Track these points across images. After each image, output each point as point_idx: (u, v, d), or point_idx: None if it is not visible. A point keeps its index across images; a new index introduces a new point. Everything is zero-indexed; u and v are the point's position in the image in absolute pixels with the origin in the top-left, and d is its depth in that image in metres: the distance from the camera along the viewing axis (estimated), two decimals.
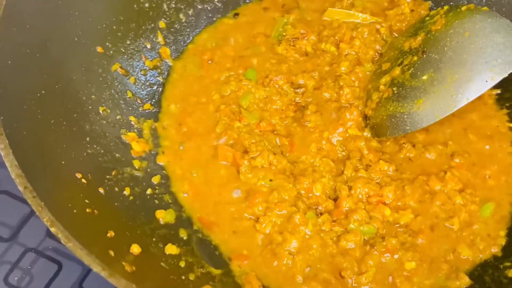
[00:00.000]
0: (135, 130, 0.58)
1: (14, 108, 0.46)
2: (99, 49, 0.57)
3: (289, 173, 0.56)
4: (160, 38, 0.62)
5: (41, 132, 0.49)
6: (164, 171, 0.57)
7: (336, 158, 0.58)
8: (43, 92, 0.50)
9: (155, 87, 0.61)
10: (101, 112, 0.56)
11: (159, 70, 0.62)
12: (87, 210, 0.47)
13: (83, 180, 0.50)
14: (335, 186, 0.56)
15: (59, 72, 0.53)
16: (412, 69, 0.57)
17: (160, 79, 0.62)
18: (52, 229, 0.40)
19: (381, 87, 0.59)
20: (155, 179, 0.56)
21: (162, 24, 0.62)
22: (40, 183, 0.42)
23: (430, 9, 0.64)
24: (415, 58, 0.57)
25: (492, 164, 0.57)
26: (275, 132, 0.59)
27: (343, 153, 0.58)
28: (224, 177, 0.56)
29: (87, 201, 0.48)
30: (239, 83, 0.61)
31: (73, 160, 0.50)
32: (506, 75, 0.52)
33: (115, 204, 0.51)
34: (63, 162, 0.49)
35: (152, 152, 0.58)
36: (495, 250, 0.53)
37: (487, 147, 0.58)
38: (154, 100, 0.60)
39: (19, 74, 0.48)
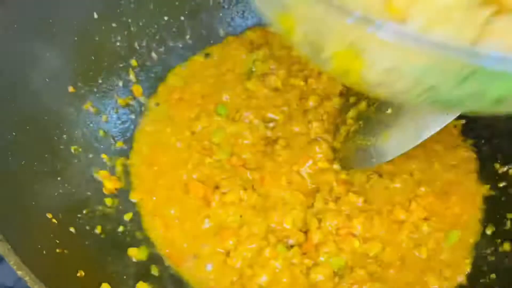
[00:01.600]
0: (107, 168, 0.59)
1: None
2: (70, 89, 0.58)
3: (259, 208, 0.58)
4: (132, 76, 0.63)
5: (11, 174, 0.49)
6: (136, 208, 0.58)
7: (306, 191, 0.59)
8: (13, 134, 0.51)
9: (127, 125, 0.62)
10: (72, 151, 0.57)
11: (131, 108, 0.63)
12: (57, 250, 0.48)
13: (54, 220, 0.51)
14: (306, 218, 0.57)
15: (30, 113, 0.53)
16: (377, 103, 0.58)
17: (132, 116, 0.63)
18: (19, 273, 0.40)
19: (349, 120, 0.61)
20: (127, 216, 0.57)
21: (134, 62, 0.64)
22: (8, 225, 0.43)
23: None
24: None
25: (457, 193, 0.59)
26: (246, 167, 0.60)
27: (313, 186, 0.60)
28: (195, 213, 0.57)
29: (57, 241, 0.49)
30: (210, 119, 0.63)
31: (44, 200, 0.51)
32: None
33: (86, 242, 0.52)
34: (33, 203, 0.50)
35: (124, 190, 0.58)
36: (461, 278, 0.55)
37: (453, 176, 0.60)
38: (126, 137, 0.62)
39: None
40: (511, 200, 0.58)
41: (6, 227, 0.43)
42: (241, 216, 0.57)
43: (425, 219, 0.57)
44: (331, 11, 0.33)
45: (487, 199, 0.59)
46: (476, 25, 0.35)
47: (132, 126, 0.62)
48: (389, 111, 0.57)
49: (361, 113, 0.60)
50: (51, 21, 0.56)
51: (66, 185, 0.54)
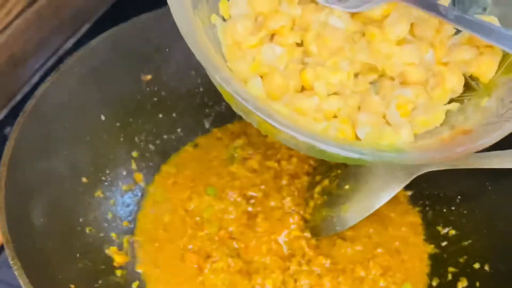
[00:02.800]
0: (116, 245, 0.67)
1: (23, 234, 0.57)
2: (84, 179, 0.67)
3: (244, 272, 0.66)
4: (134, 166, 0.72)
5: (41, 252, 0.59)
6: (142, 277, 0.66)
7: (283, 256, 0.67)
8: (41, 220, 0.61)
9: (131, 207, 0.71)
10: (87, 232, 0.65)
11: (134, 193, 0.71)
12: None
13: None
14: (284, 279, 0.65)
15: (55, 204, 0.63)
16: (337, 180, 0.69)
17: (135, 199, 0.71)
18: None
19: (315, 195, 0.70)
20: (135, 284, 0.65)
21: (135, 154, 0.72)
22: None
23: None
24: (339, 171, 0.70)
25: (408, 251, 0.68)
26: (232, 237, 0.68)
27: (289, 251, 0.68)
28: (192, 279, 0.65)
29: None
30: (200, 199, 0.71)
31: (67, 273, 0.60)
32: (407, 182, 0.64)
33: None
34: (60, 276, 0.59)
35: (131, 262, 0.66)
36: None
37: (403, 237, 0.69)
38: (130, 218, 0.70)
39: (27, 210, 0.59)
40: (451, 257, 0.66)
41: None
42: (229, 280, 0.65)
43: (382, 274, 0.65)
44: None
45: (432, 256, 0.68)
46: (358, 96, 0.49)
47: (135, 208, 0.71)
48: (347, 187, 0.68)
49: (324, 189, 0.70)
50: (67, 125, 0.67)
51: (84, 260, 0.62)
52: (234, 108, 0.49)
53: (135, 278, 0.66)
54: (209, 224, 0.69)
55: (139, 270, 0.66)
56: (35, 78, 0.84)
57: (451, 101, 0.52)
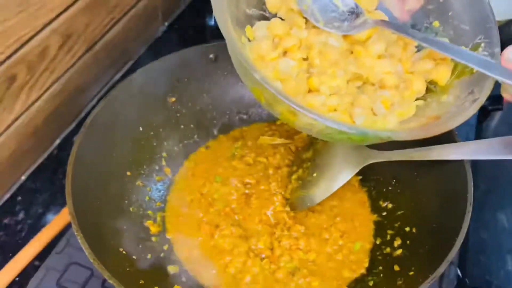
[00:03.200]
0: (152, 219, 0.67)
1: (83, 213, 0.57)
2: (128, 173, 0.68)
3: (243, 236, 0.66)
4: (164, 162, 0.72)
5: (97, 226, 0.60)
6: (170, 242, 0.67)
7: (271, 224, 0.68)
8: (98, 203, 0.62)
9: (162, 192, 0.71)
10: (131, 210, 0.66)
11: (164, 181, 0.72)
12: (127, 269, 0.58)
13: (123, 252, 0.60)
14: (271, 241, 0.66)
15: (107, 191, 0.64)
16: (308, 170, 0.70)
17: (165, 187, 0.72)
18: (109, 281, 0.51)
19: (293, 181, 0.71)
20: (165, 247, 0.65)
21: (164, 154, 0.73)
22: (96, 254, 0.53)
23: None
24: (309, 163, 0.71)
25: (359, 219, 0.68)
26: (234, 212, 0.69)
27: (275, 221, 0.68)
28: (205, 243, 0.66)
29: (126, 264, 0.58)
30: (211, 185, 0.71)
31: (117, 240, 0.61)
32: (358, 170, 0.65)
33: (141, 263, 0.61)
34: (112, 242, 0.60)
35: (162, 231, 0.67)
36: (362, 270, 0.64)
37: (355, 210, 0.70)
38: (162, 199, 0.71)
39: (87, 195, 0.60)
40: (389, 223, 0.67)
41: (99, 257, 0.53)
42: (233, 242, 0.65)
43: (340, 236, 0.66)
44: (276, 96, 0.43)
45: (376, 223, 0.68)
46: (351, 96, 0.50)
47: (165, 192, 0.71)
48: (315, 175, 0.69)
49: (299, 176, 0.71)
50: (115, 134, 0.68)
51: (129, 230, 0.63)
52: (263, 103, 0.49)
53: (166, 242, 0.66)
54: (217, 202, 0.70)
55: (168, 237, 0.67)
56: (93, 102, 0.86)
57: (417, 99, 0.53)
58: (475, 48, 0.51)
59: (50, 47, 0.68)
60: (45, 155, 0.77)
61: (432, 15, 0.55)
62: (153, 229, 0.67)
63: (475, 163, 0.64)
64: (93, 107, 0.66)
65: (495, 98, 0.79)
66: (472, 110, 0.46)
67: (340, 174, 0.65)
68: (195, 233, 0.67)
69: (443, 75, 0.52)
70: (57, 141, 0.80)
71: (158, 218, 0.68)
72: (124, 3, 0.83)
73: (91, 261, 0.52)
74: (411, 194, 0.67)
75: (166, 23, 0.95)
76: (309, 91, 0.52)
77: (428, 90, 0.53)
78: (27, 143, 0.72)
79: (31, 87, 0.68)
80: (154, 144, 0.73)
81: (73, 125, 0.82)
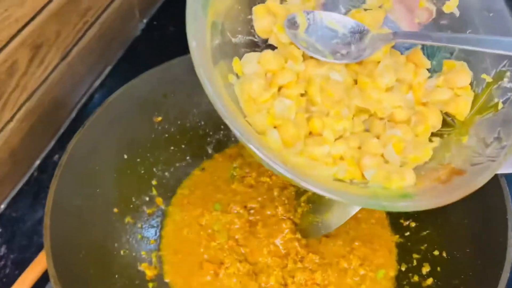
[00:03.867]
0: (147, 261, 0.61)
1: (65, 267, 0.50)
2: (115, 210, 0.61)
3: (251, 273, 0.61)
4: (154, 192, 0.66)
5: (85, 280, 0.53)
6: (169, 286, 0.60)
7: (281, 255, 0.62)
8: (83, 252, 0.55)
9: (155, 227, 0.65)
10: (122, 253, 0.60)
11: (156, 215, 0.65)
12: None
13: None
14: (283, 276, 0.60)
15: (92, 237, 0.57)
16: None
17: (158, 220, 0.65)
18: None
19: (302, 203, 0.65)
20: None
21: (154, 182, 0.66)
22: None
23: None
24: None
25: (378, 242, 0.63)
26: (239, 245, 0.63)
27: (285, 251, 0.62)
28: (210, 284, 0.60)
29: None
30: (210, 214, 0.65)
31: None
32: None
33: None
34: None
35: (160, 274, 0.61)
36: None
37: (374, 231, 0.64)
38: (156, 236, 0.64)
39: (70, 247, 0.53)
40: (414, 245, 0.61)
41: None
42: (240, 282, 0.60)
43: (361, 265, 0.60)
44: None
45: (398, 245, 0.63)
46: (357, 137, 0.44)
47: (159, 227, 0.65)
48: (327, 198, 0.62)
49: (309, 198, 0.65)
50: (97, 167, 0.61)
51: (122, 279, 0.57)
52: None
53: (164, 287, 0.60)
54: (219, 234, 0.64)
55: (167, 280, 0.61)
56: (73, 114, 0.80)
57: (432, 135, 0.47)
58: (498, 77, 0.44)
59: (19, 61, 0.62)
60: (25, 179, 0.71)
61: (446, 32, 0.48)
62: (149, 272, 0.60)
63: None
64: (73, 121, 0.62)
65: None
66: (500, 161, 0.40)
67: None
68: (197, 274, 0.61)
69: (462, 108, 0.45)
70: (37, 162, 0.74)
71: (154, 259, 0.62)
72: (97, 4, 0.76)
73: None
74: (436, 210, 0.61)
75: (145, 20, 0.89)
76: (310, 133, 0.45)
77: (444, 123, 0.47)
78: (3, 169, 0.66)
79: (2, 107, 0.62)
80: (142, 172, 0.66)
81: (52, 142, 0.76)
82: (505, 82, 0.44)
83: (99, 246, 0.57)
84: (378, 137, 0.46)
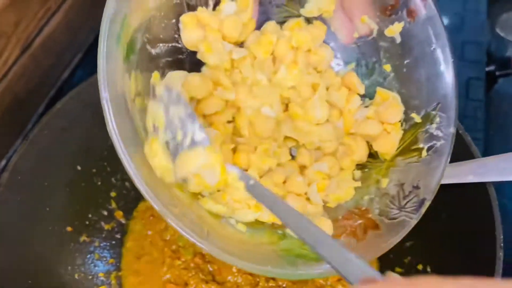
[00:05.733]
0: (105, 284, 0.58)
1: None
2: (68, 228, 0.58)
3: None
4: (114, 205, 0.62)
5: None
6: None
7: (251, 272, 0.59)
8: (29, 282, 0.51)
9: (115, 244, 0.61)
10: (77, 277, 0.56)
11: (116, 230, 0.62)
12: None
13: None
14: None
15: (40, 263, 0.53)
16: None
17: (118, 236, 0.62)
18: None
19: None
20: None
21: (113, 193, 0.62)
22: None
23: None
24: None
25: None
26: (206, 261, 0.60)
27: None
28: None
29: None
30: (175, 229, 0.61)
31: None
32: None
33: None
34: None
35: None
36: None
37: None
38: (115, 255, 0.61)
39: (13, 278, 0.49)
40: (397, 257, 0.57)
41: None
42: None
43: (338, 280, 0.57)
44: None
45: (380, 257, 0.55)
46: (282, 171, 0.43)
47: (119, 245, 0.61)
48: None
49: None
50: (46, 183, 0.56)
51: None
52: None
53: None
54: (184, 251, 0.60)
55: None
56: (40, 110, 0.74)
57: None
58: (427, 119, 0.42)
59: None
60: None
61: (384, 54, 0.45)
62: None
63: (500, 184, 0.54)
64: (40, 117, 0.56)
65: (503, 62, 0.70)
66: (416, 218, 0.41)
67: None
68: None
69: (389, 146, 0.43)
70: (3, 162, 0.68)
71: (113, 281, 0.58)
72: None
73: None
74: (421, 219, 0.57)
75: None
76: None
77: (369, 154, 0.45)
78: None
79: None
80: (99, 183, 0.62)
81: (19, 140, 0.71)
82: (433, 128, 0.41)
83: (49, 273, 0.53)
84: (303, 167, 0.44)
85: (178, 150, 0.35)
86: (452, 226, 0.54)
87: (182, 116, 0.35)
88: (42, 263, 0.53)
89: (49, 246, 0.55)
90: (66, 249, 0.57)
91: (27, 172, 0.54)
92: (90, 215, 0.60)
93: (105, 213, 0.62)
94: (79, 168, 0.60)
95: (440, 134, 0.41)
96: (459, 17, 0.83)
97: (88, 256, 0.58)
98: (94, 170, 0.61)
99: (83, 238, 0.58)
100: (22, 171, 0.53)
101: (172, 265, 0.59)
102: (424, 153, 0.42)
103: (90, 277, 0.57)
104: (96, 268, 0.58)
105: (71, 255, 0.57)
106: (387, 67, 0.45)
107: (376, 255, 0.39)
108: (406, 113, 0.43)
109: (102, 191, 0.62)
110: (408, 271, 0.56)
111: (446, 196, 0.52)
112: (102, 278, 0.58)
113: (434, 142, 0.41)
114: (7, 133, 0.70)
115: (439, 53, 0.40)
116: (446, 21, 0.81)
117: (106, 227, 0.61)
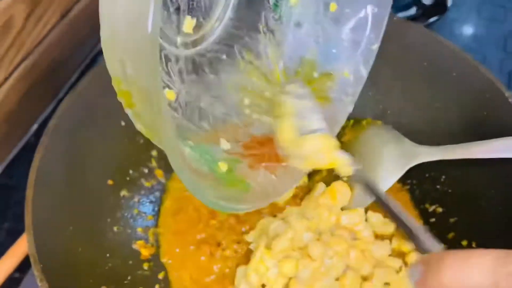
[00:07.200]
0: (143, 238, 0.59)
1: (49, 244, 0.48)
2: (109, 182, 0.59)
3: (250, 253, 0.57)
4: (154, 163, 0.63)
5: (71, 260, 0.51)
6: (165, 267, 0.58)
7: None
8: (71, 228, 0.52)
9: (154, 202, 0.62)
10: (115, 230, 0.58)
11: (155, 189, 0.63)
12: None
13: None
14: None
15: (81, 209, 0.54)
16: None
17: (157, 194, 0.63)
18: None
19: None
20: (160, 275, 0.57)
21: (154, 152, 0.63)
22: None
23: None
24: None
25: None
26: (240, 221, 0.60)
27: None
28: (205, 265, 0.58)
29: None
30: None
31: (98, 276, 0.52)
32: (404, 172, 0.54)
33: None
34: (91, 281, 0.51)
35: (156, 254, 0.59)
36: None
37: None
38: (154, 212, 0.62)
39: (56, 222, 0.50)
40: (440, 233, 0.53)
41: None
42: (237, 264, 0.57)
43: None
44: None
45: None
46: None
47: (158, 203, 0.63)
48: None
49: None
50: (90, 136, 0.57)
51: (113, 259, 0.55)
52: None
53: (161, 269, 0.58)
54: (220, 211, 0.60)
55: (163, 260, 0.59)
56: (73, 78, 0.79)
57: None
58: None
59: (15, 16, 0.61)
60: (21, 144, 0.72)
61: None
62: (145, 252, 0.58)
63: None
64: (73, 85, 0.58)
65: None
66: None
67: (382, 180, 0.54)
68: (193, 253, 0.59)
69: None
70: (35, 126, 0.74)
71: (151, 237, 0.60)
72: None
73: None
74: (464, 195, 0.56)
75: None
76: None
77: None
78: None
79: None
80: (141, 141, 0.61)
81: (51, 106, 0.76)
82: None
83: (89, 221, 0.55)
84: None
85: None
86: (501, 203, 0.52)
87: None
88: (82, 213, 0.55)
89: (90, 197, 0.56)
90: (106, 202, 0.58)
91: (73, 122, 0.55)
92: (131, 171, 0.61)
93: (146, 170, 0.63)
94: (123, 123, 0.60)
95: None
96: (502, 10, 0.80)
97: (127, 211, 0.60)
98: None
99: (123, 193, 0.60)
100: (67, 123, 0.55)
101: (207, 225, 0.60)
102: None
103: (128, 231, 0.59)
104: (135, 222, 0.60)
105: (110, 208, 0.58)
106: None
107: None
108: None
109: (144, 149, 0.63)
110: (452, 247, 0.55)
111: (494, 171, 0.51)
112: (140, 233, 0.59)
113: None
114: (41, 97, 0.74)
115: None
116: (488, 13, 0.79)
117: (146, 184, 0.62)
